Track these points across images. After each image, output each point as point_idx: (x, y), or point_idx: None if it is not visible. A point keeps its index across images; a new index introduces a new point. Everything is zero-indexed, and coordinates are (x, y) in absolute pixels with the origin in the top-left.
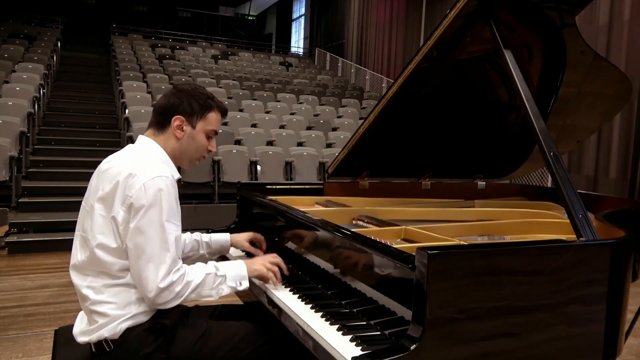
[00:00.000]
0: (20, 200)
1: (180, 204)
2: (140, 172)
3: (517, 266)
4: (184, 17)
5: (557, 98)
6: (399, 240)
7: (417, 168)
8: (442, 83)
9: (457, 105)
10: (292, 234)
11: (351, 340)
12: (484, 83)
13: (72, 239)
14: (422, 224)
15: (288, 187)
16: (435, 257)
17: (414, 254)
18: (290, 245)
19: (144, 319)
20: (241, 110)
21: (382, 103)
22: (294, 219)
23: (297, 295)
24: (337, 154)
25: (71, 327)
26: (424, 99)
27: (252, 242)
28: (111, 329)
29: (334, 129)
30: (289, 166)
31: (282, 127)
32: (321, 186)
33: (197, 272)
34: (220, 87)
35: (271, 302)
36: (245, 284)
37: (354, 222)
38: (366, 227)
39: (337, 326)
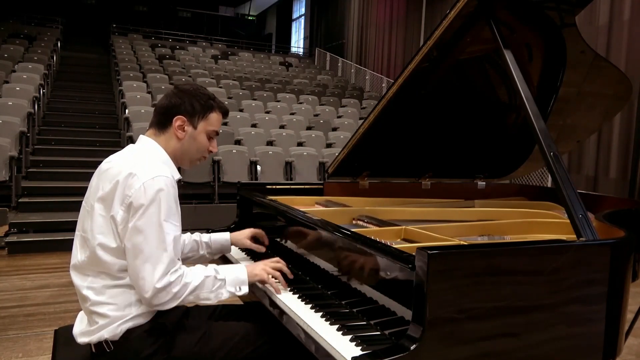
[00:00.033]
0: (20, 200)
1: (180, 204)
2: (140, 171)
3: (517, 266)
4: (184, 17)
5: (557, 98)
6: (399, 240)
7: (417, 168)
8: (442, 83)
9: (457, 106)
10: (292, 234)
11: (351, 340)
12: (484, 83)
13: (72, 239)
14: (422, 224)
15: (288, 187)
16: (435, 257)
17: (414, 254)
18: (290, 245)
19: (144, 320)
20: (241, 110)
21: (382, 103)
22: (294, 219)
23: (297, 295)
24: (337, 154)
25: (71, 327)
26: (424, 99)
27: (255, 240)
28: (111, 330)
29: (334, 129)
30: (289, 166)
31: (282, 127)
32: (321, 186)
33: (195, 274)
34: (220, 87)
35: (273, 303)
36: (245, 289)
37: (354, 222)
38: (366, 227)
39: (337, 326)
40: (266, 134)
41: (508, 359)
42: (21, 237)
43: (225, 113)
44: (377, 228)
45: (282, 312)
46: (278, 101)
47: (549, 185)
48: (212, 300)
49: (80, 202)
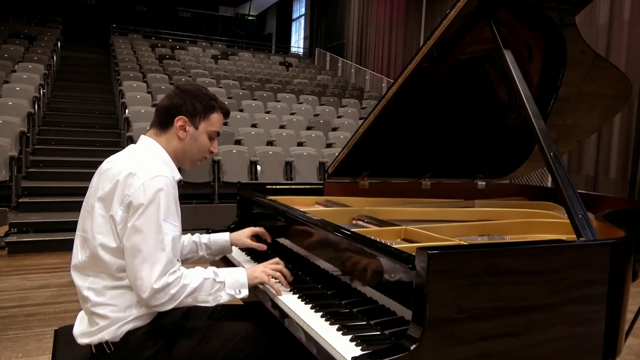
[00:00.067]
0: (20, 200)
1: (180, 204)
2: (140, 171)
3: (517, 266)
4: (184, 17)
5: (557, 98)
6: (399, 240)
7: (417, 168)
8: (442, 83)
9: (457, 106)
10: (292, 234)
11: (351, 340)
12: (484, 83)
13: (72, 239)
14: (422, 224)
15: (288, 187)
16: (435, 257)
17: (414, 254)
18: (290, 245)
19: (145, 322)
20: (241, 110)
21: (382, 103)
22: (294, 219)
23: (297, 296)
24: (337, 154)
25: (71, 327)
26: (424, 99)
27: (258, 238)
28: (112, 332)
29: (334, 129)
30: (289, 166)
31: (282, 127)
32: (321, 186)
33: (194, 276)
34: (220, 87)
35: (274, 305)
36: (245, 292)
37: (354, 222)
38: (366, 227)
39: (337, 326)
40: (266, 134)
41: (508, 359)
42: (21, 237)
43: (226, 114)
44: (377, 228)
45: (284, 314)
46: (278, 101)
47: (549, 185)
48: (211, 303)
49: (81, 202)
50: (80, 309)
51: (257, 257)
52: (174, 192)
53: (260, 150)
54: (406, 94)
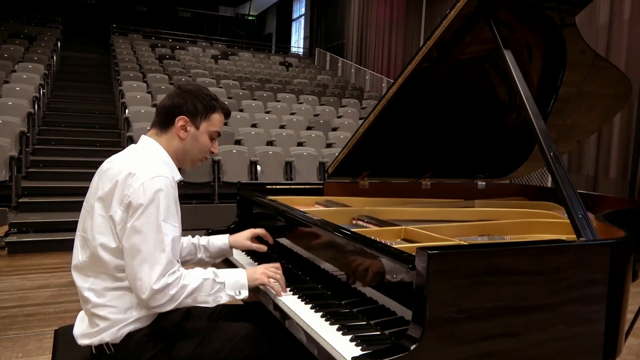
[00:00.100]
0: (20, 200)
1: (180, 204)
2: (140, 171)
3: (517, 266)
4: (184, 17)
5: (557, 98)
6: (399, 240)
7: (417, 168)
8: (442, 83)
9: (457, 106)
10: (292, 234)
11: (351, 340)
12: (484, 83)
13: (72, 239)
14: (422, 224)
15: (288, 187)
16: (435, 257)
17: (414, 254)
18: (290, 245)
19: (145, 323)
20: (241, 110)
21: (382, 103)
22: (294, 219)
23: (297, 296)
24: (337, 154)
25: (71, 327)
26: (424, 99)
27: (260, 240)
28: (112, 334)
29: (334, 129)
30: (289, 166)
31: (282, 127)
32: (321, 186)
33: (194, 277)
34: (220, 87)
35: (276, 306)
36: (245, 293)
37: (354, 222)
38: (366, 227)
39: (337, 326)
40: (266, 134)
41: (508, 359)
42: (21, 237)
43: (227, 114)
44: (377, 228)
45: (284, 315)
46: (278, 101)
47: (549, 185)
48: (211, 304)
49: (81, 202)
50: (81, 309)
51: (258, 258)
52: (174, 192)
53: (260, 150)
54: (406, 94)
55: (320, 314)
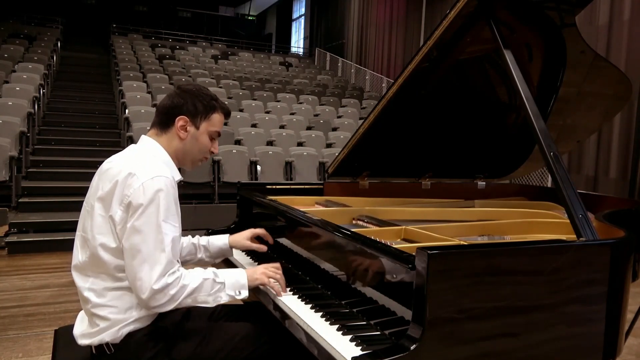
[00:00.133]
0: (20, 200)
1: (180, 204)
2: (140, 171)
3: (517, 266)
4: (184, 17)
5: (557, 98)
6: (399, 240)
7: (417, 168)
8: (442, 83)
9: (457, 106)
10: (292, 234)
11: (351, 340)
12: (484, 83)
13: (72, 239)
14: (422, 224)
15: (288, 187)
16: (435, 257)
17: (414, 254)
18: (290, 245)
19: (145, 323)
20: (241, 110)
21: (382, 103)
22: (294, 219)
23: (297, 296)
24: (337, 154)
25: (71, 327)
26: (424, 99)
27: (260, 240)
28: (112, 334)
29: (334, 129)
30: (289, 166)
31: (282, 127)
32: (321, 186)
33: (194, 277)
34: (220, 87)
35: (276, 307)
36: (245, 293)
37: (354, 222)
38: (366, 227)
39: (337, 326)
40: (266, 134)
41: (508, 359)
42: (21, 237)
43: (227, 114)
44: (377, 228)
45: (284, 315)
46: (278, 101)
47: (549, 185)
48: (211, 304)
49: (81, 202)
50: (81, 309)
51: (258, 258)
52: (174, 192)
53: (260, 150)
54: (406, 94)
55: (320, 314)
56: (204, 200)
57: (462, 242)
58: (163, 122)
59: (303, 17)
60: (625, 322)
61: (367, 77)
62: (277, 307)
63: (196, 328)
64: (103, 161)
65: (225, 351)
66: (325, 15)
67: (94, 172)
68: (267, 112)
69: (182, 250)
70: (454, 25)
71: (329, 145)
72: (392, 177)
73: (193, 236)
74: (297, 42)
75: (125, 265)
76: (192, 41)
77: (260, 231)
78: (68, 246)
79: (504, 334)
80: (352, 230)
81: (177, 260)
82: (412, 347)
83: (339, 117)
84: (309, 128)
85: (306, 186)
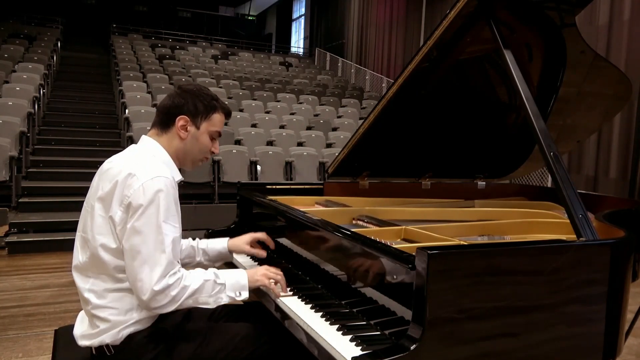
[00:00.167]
0: (20, 200)
1: (180, 204)
2: (140, 172)
3: (517, 266)
4: (184, 17)
5: (557, 98)
6: (399, 240)
7: (417, 168)
8: (442, 83)
9: (457, 106)
10: (292, 234)
11: (351, 340)
12: (484, 83)
13: (72, 239)
14: (422, 224)
15: (288, 187)
16: (435, 257)
17: (414, 254)
18: (290, 245)
19: (145, 325)
20: (241, 110)
21: (382, 103)
22: (294, 219)
23: (297, 296)
24: (337, 154)
25: (71, 327)
26: (424, 99)
27: (262, 244)
28: (112, 335)
29: (334, 129)
30: (289, 166)
31: (282, 127)
32: (321, 186)
33: (195, 278)
34: (220, 87)
35: (278, 308)
36: (245, 295)
37: (354, 222)
38: (366, 227)
39: (337, 326)
40: (266, 134)
41: (508, 359)
42: (21, 237)
43: (227, 114)
44: (377, 228)
45: (284, 315)
46: (278, 101)
47: (549, 185)
48: (211, 305)
49: (81, 202)
50: (81, 309)
51: (259, 259)
52: (174, 192)
53: (260, 150)
54: (406, 94)
55: (321, 314)
56: (204, 200)
57: (462, 242)
58: (163, 122)
59: (303, 17)
60: (625, 322)
61: (367, 77)
62: (278, 309)
63: (196, 329)
64: (103, 161)
65: (226, 351)
66: (325, 15)
67: (94, 172)
68: (267, 112)
69: (181, 253)
70: (454, 25)
71: (329, 145)
72: (392, 177)
73: (194, 239)
74: (297, 42)
75: (125, 266)
76: (192, 41)
77: (261, 235)
78: (68, 246)
79: (504, 334)
80: (352, 230)
81: (178, 261)
82: (412, 347)
83: (339, 117)
84: (309, 128)
85: (306, 186)
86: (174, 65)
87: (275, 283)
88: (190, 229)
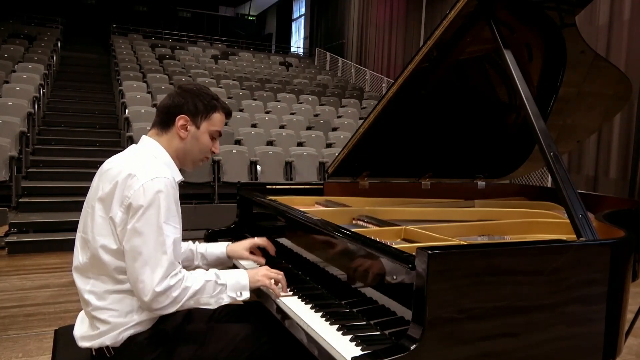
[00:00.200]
0: (20, 200)
1: (180, 204)
2: (140, 172)
3: (517, 266)
4: (184, 17)
5: (557, 98)
6: (399, 240)
7: (417, 168)
8: (442, 83)
9: (457, 106)
10: (292, 234)
11: (351, 340)
12: (484, 83)
13: (72, 239)
14: (422, 224)
15: (288, 187)
16: (435, 257)
17: (414, 254)
18: (290, 245)
19: (146, 327)
20: (241, 110)
21: (382, 103)
22: (294, 219)
23: (298, 296)
24: (337, 154)
25: (71, 327)
26: (424, 99)
27: (263, 251)
28: (113, 337)
29: (334, 129)
30: (289, 166)
31: (282, 127)
32: (321, 186)
33: (196, 278)
34: (220, 87)
35: (278, 309)
36: (246, 295)
37: (354, 222)
38: (366, 227)
39: (337, 326)
40: (266, 134)
41: (508, 359)
42: (21, 237)
43: (228, 114)
44: (377, 228)
45: (285, 315)
46: (278, 101)
47: (549, 185)
48: (213, 305)
49: (80, 202)
50: (81, 309)
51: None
52: (174, 193)
53: (260, 150)
54: (406, 94)
55: (321, 314)
56: (204, 200)
57: (462, 242)
58: (163, 121)
59: (303, 17)
60: (625, 322)
61: (367, 77)
62: (278, 309)
63: (196, 330)
64: (103, 161)
65: (226, 352)
66: (325, 15)
67: (94, 172)
68: (267, 112)
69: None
70: (454, 25)
71: (329, 145)
72: (392, 177)
73: (193, 242)
74: (297, 42)
75: (126, 268)
76: (192, 41)
77: (260, 241)
78: (68, 246)
79: (504, 334)
80: (352, 230)
81: (179, 262)
82: (412, 347)
83: (339, 117)
84: (309, 128)
85: (306, 186)
86: (174, 65)
87: (276, 283)
88: (190, 229)
